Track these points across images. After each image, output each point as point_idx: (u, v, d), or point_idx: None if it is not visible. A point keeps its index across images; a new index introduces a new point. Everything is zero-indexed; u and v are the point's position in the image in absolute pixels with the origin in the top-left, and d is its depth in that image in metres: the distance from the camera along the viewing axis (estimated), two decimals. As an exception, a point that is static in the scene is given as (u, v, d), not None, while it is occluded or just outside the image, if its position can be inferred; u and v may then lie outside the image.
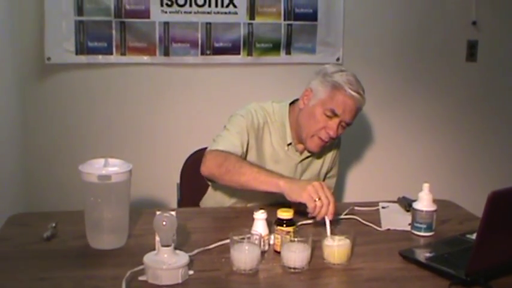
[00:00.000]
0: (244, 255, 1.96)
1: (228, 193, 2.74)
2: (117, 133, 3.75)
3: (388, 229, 2.42)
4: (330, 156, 2.87)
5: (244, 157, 2.60)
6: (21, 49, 3.54)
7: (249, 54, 3.81)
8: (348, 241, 2.06)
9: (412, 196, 2.48)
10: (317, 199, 2.18)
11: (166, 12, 3.64)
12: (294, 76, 3.65)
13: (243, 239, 2.00)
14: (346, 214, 2.53)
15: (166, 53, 3.70)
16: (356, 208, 2.63)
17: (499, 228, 1.86)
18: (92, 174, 2.08)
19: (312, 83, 2.67)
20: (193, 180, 2.96)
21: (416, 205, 2.36)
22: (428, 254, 2.09)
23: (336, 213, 2.24)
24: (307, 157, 2.79)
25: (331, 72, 2.63)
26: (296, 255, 1.98)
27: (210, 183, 2.75)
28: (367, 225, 2.45)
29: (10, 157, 3.46)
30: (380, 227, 2.44)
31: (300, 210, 2.29)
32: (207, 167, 2.51)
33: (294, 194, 2.25)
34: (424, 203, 2.34)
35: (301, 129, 2.69)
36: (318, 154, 2.80)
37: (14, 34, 3.48)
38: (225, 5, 3.71)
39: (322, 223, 2.16)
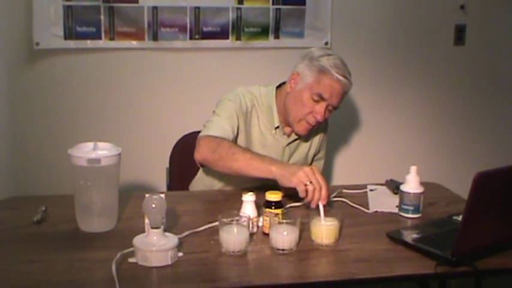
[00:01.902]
0: (233, 237, 1.97)
1: (217, 176, 2.75)
2: (106, 117, 3.75)
3: (376, 211, 2.44)
4: (317, 139, 2.89)
5: (235, 141, 2.62)
6: (10, 34, 3.52)
7: (238, 38, 3.80)
8: (336, 223, 2.08)
9: (400, 179, 2.49)
10: (308, 183, 2.20)
11: (154, -4, 3.64)
12: (282, 60, 3.64)
13: (232, 221, 2.02)
14: (334, 197, 2.54)
15: (155, 38, 3.69)
16: (344, 191, 2.65)
17: (485, 209, 1.88)
18: (81, 157, 2.09)
19: (299, 66, 2.68)
20: (182, 165, 2.97)
21: (403, 187, 2.38)
22: (415, 235, 2.12)
23: (329, 197, 2.25)
24: (295, 140, 2.81)
25: (317, 56, 2.64)
26: (284, 236, 1.99)
27: (201, 167, 2.76)
28: (355, 207, 2.48)
29: (0, 142, 3.46)
30: (368, 209, 2.46)
31: (289, 193, 2.31)
32: (201, 153, 2.52)
33: (285, 179, 2.26)
34: (412, 185, 2.36)
35: (289, 113, 2.70)
36: (305, 137, 2.82)
37: (2, 19, 3.46)
38: (213, -11, 3.72)
39: (315, 207, 2.19)
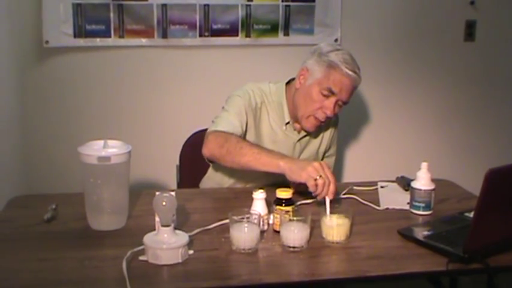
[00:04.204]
0: (243, 235, 1.97)
1: (227, 174, 2.75)
2: (116, 115, 3.76)
3: (387, 208, 2.44)
4: (328, 135, 2.88)
5: (244, 137, 2.61)
6: (20, 33, 3.53)
7: (247, 35, 3.80)
8: (347, 220, 2.08)
9: (411, 175, 2.48)
10: (318, 177, 2.19)
11: (164, -6, 3.64)
12: (292, 57, 3.62)
13: (243, 218, 2.01)
14: (345, 194, 2.54)
15: (164, 35, 3.69)
16: (355, 188, 2.65)
17: (496, 205, 1.87)
18: (91, 155, 2.09)
19: (308, 62, 2.68)
20: (192, 162, 2.97)
21: (414, 184, 2.37)
22: (426, 232, 2.11)
23: (337, 192, 2.24)
24: (305, 136, 2.80)
25: (326, 52, 2.63)
26: (295, 234, 1.99)
27: (211, 164, 2.75)
28: (366, 204, 2.47)
29: (10, 141, 3.46)
30: (379, 206, 2.46)
31: (299, 190, 2.30)
32: (209, 148, 2.52)
33: (294, 174, 2.25)
34: (423, 182, 2.35)
35: (297, 109, 2.69)
36: (316, 133, 2.81)
37: (12, 18, 3.47)
38: (222, -14, 3.72)
39: (322, 202, 2.18)
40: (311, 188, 2.21)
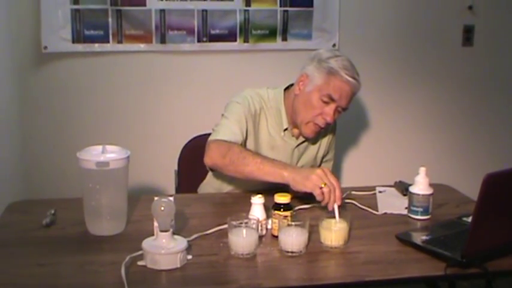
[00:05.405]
0: (242, 240, 1.97)
1: (226, 180, 2.75)
2: (115, 121, 3.76)
3: (385, 213, 2.43)
4: (326, 140, 2.89)
5: (244, 144, 2.62)
6: (18, 38, 3.53)
7: (246, 41, 3.80)
8: (345, 225, 2.08)
9: (409, 180, 2.48)
10: (323, 185, 2.19)
11: (162, -1, 3.65)
12: (290, 62, 3.63)
13: (241, 223, 2.01)
14: (343, 199, 2.54)
15: (162, 41, 3.70)
16: (353, 193, 2.65)
17: (495, 210, 1.88)
18: (90, 161, 2.09)
19: (307, 68, 2.68)
20: (191, 167, 2.97)
21: (412, 189, 2.37)
22: (424, 237, 2.11)
23: (342, 197, 2.25)
24: (303, 142, 2.80)
25: (326, 58, 2.63)
26: (293, 239, 1.99)
27: (211, 171, 2.75)
28: (364, 209, 2.47)
29: (8, 146, 3.46)
30: (377, 211, 2.45)
31: (298, 195, 2.31)
32: (211, 158, 2.51)
33: (299, 184, 2.26)
34: (421, 186, 2.35)
35: (297, 115, 2.69)
36: (314, 138, 2.81)
37: (11, 23, 3.48)
38: (221, -8, 3.72)
39: (327, 207, 2.19)
40: (318, 198, 2.21)
